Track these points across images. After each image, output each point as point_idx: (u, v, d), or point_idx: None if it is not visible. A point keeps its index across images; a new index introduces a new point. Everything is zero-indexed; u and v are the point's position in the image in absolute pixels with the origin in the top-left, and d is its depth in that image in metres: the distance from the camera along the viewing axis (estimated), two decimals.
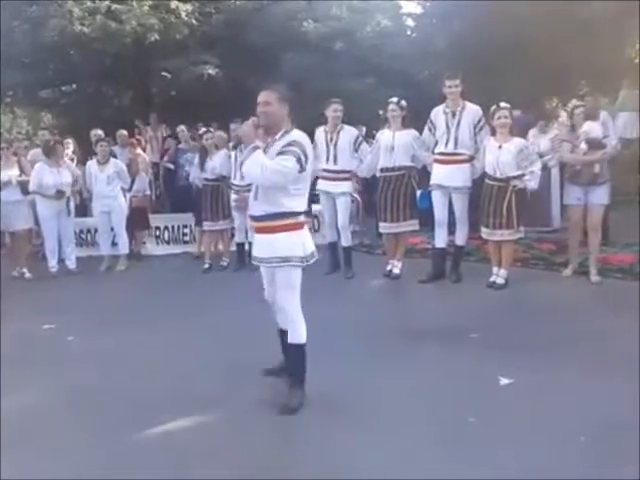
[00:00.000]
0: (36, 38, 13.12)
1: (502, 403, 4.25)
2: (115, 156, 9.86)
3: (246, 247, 8.28)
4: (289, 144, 4.11)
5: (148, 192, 10.66)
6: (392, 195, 7.57)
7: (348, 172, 7.87)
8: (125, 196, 9.57)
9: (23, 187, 8.99)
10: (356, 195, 8.16)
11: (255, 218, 4.35)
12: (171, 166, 10.95)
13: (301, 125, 8.11)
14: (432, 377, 4.70)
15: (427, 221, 7.93)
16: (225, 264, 8.97)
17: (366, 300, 7.04)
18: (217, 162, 8.73)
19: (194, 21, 13.66)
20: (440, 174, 7.29)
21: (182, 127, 10.76)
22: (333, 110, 7.75)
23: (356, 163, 7.87)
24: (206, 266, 8.98)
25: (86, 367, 5.29)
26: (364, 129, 11.11)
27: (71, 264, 9.22)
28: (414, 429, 3.91)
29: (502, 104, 6.94)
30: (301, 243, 4.25)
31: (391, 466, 3.50)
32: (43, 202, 8.93)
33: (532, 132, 9.53)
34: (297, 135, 4.21)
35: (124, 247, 9.43)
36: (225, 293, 7.28)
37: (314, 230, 9.67)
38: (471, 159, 7.19)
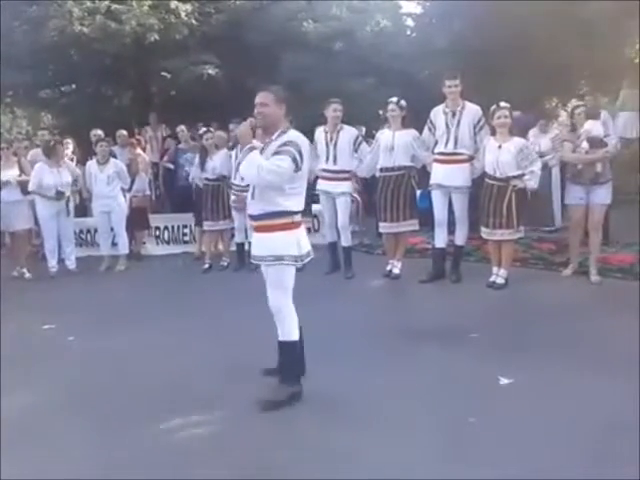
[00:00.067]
0: (36, 38, 13.10)
1: (502, 403, 4.25)
2: (115, 156, 9.86)
3: (246, 247, 8.28)
4: (285, 144, 4.18)
5: (148, 192, 10.67)
6: (392, 195, 7.57)
7: (348, 172, 7.86)
8: (125, 196, 9.57)
9: (23, 187, 9.00)
10: (356, 195, 8.15)
11: (253, 217, 4.42)
12: (171, 166, 10.94)
13: (301, 125, 8.15)
14: (432, 377, 4.70)
15: (427, 221, 7.93)
16: (225, 264, 8.98)
17: (366, 300, 7.04)
18: (217, 162, 8.74)
19: (194, 21, 13.64)
20: (440, 174, 7.29)
21: (182, 127, 10.75)
22: (332, 110, 7.75)
23: (356, 163, 7.88)
24: (206, 266, 8.99)
25: (86, 367, 5.30)
26: (364, 129, 11.11)
27: (71, 264, 9.22)
28: (414, 429, 3.92)
29: (502, 104, 6.94)
30: (296, 242, 4.30)
31: (391, 466, 3.50)
32: (42, 202, 8.93)
33: (533, 132, 9.52)
34: (293, 135, 4.27)
35: (124, 247, 9.44)
36: (225, 293, 7.27)
37: (314, 230, 9.68)
38: (471, 159, 7.19)
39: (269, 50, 13.69)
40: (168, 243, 10.56)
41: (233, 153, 8.12)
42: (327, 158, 7.80)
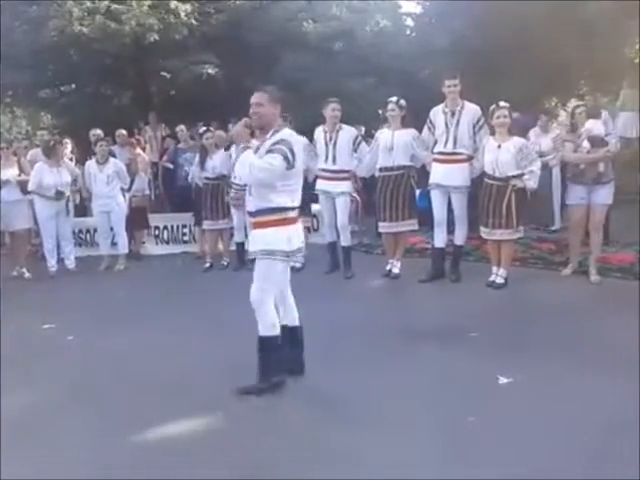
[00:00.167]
0: (36, 38, 13.11)
1: (501, 402, 4.25)
2: (114, 156, 9.85)
3: (246, 246, 8.27)
4: (277, 142, 4.31)
5: (147, 192, 10.67)
6: (391, 195, 7.57)
7: (347, 172, 7.86)
8: (124, 196, 9.57)
9: (23, 187, 9.00)
10: (355, 195, 8.15)
11: (250, 214, 4.58)
12: (170, 166, 10.93)
13: (301, 125, 8.17)
14: (431, 376, 4.70)
15: (426, 221, 7.93)
16: (225, 263, 8.98)
17: (366, 300, 7.04)
18: (217, 161, 8.73)
19: (193, 21, 13.63)
20: (439, 173, 7.29)
21: (181, 127, 10.74)
22: (331, 110, 7.74)
23: (355, 163, 7.87)
24: (207, 265, 9.01)
25: (86, 366, 5.30)
26: (363, 129, 11.11)
27: (70, 264, 9.22)
28: (413, 428, 3.92)
29: (501, 103, 6.94)
30: (287, 238, 4.41)
31: (390, 465, 3.50)
32: (41, 202, 8.93)
33: (534, 131, 9.51)
34: (285, 134, 4.39)
35: (123, 247, 9.43)
36: (225, 292, 7.28)
37: (313, 229, 9.69)
38: (470, 158, 7.19)
39: (269, 50, 13.70)
40: (167, 243, 10.56)
41: (232, 152, 8.12)
42: (326, 158, 7.80)
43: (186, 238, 10.47)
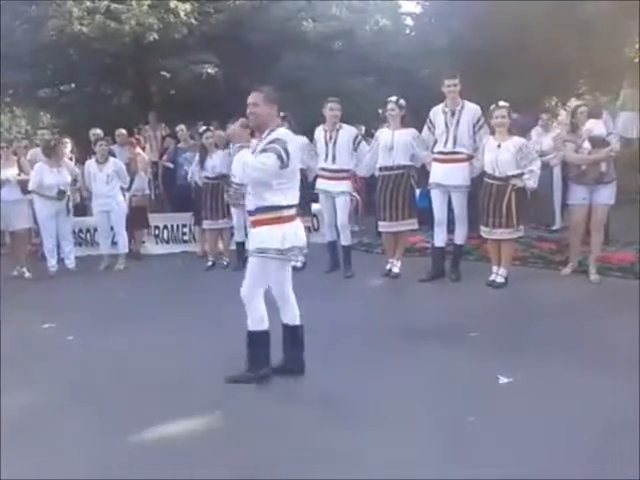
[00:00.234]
0: (35, 38, 13.10)
1: (501, 402, 4.25)
2: (114, 155, 9.84)
3: (246, 246, 8.27)
4: (271, 142, 4.38)
5: (147, 191, 10.67)
6: (391, 194, 7.57)
7: (347, 171, 7.86)
8: (124, 195, 9.56)
9: (23, 186, 8.99)
10: (355, 194, 8.15)
11: (249, 212, 4.66)
12: (170, 165, 10.93)
13: (301, 124, 8.17)
14: (431, 376, 4.70)
15: (426, 220, 7.94)
16: (225, 263, 8.98)
17: (366, 299, 7.04)
18: (217, 160, 8.73)
19: (193, 20, 13.63)
20: (439, 173, 7.29)
21: (181, 126, 10.74)
22: (330, 109, 7.74)
23: (355, 162, 7.87)
24: (209, 264, 9.04)
25: (86, 366, 5.30)
26: (363, 128, 11.11)
27: (70, 263, 9.22)
28: (413, 428, 3.92)
29: (501, 103, 6.94)
30: (281, 236, 4.47)
31: (390, 465, 3.50)
32: (41, 202, 8.91)
33: (535, 130, 9.51)
34: (280, 133, 4.45)
35: (123, 246, 9.43)
36: (225, 292, 7.25)
37: (314, 229, 9.68)
38: (470, 158, 7.18)
39: (269, 49, 13.70)
40: (167, 242, 10.56)
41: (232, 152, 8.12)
42: (326, 157, 7.80)
43: (186, 238, 10.46)
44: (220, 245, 9.22)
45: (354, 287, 7.57)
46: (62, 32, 12.67)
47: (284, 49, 13.82)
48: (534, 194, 7.21)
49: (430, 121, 7.38)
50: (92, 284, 8.52)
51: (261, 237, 4.51)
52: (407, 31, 15.62)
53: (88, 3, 12.94)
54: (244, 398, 4.47)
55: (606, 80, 12.36)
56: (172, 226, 10.50)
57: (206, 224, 9.04)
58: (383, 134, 7.63)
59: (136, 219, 9.95)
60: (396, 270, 7.71)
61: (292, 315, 4.77)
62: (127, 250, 9.51)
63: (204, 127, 9.54)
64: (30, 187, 8.84)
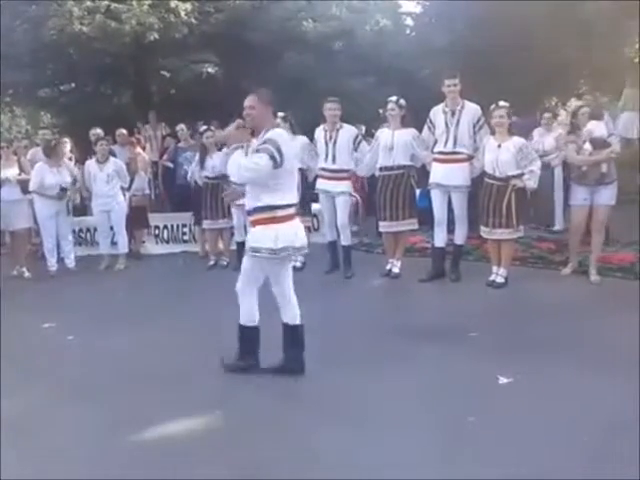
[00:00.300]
0: (35, 37, 13.11)
1: (501, 402, 4.25)
2: (114, 155, 9.84)
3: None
4: (264, 142, 4.46)
5: (147, 191, 10.67)
6: (391, 194, 7.57)
7: (347, 171, 7.86)
8: (124, 195, 9.56)
9: (23, 186, 8.99)
10: (355, 194, 8.15)
11: (247, 212, 4.76)
12: (170, 165, 10.93)
13: (301, 124, 8.17)
14: (431, 376, 4.71)
15: (426, 220, 7.94)
16: (225, 263, 8.98)
17: (366, 299, 7.05)
18: (217, 160, 8.70)
19: (193, 20, 13.64)
20: (439, 173, 7.29)
21: (181, 126, 10.74)
22: (330, 109, 7.74)
23: (355, 162, 7.87)
24: (211, 263, 9.05)
25: (86, 366, 5.30)
26: (364, 128, 11.11)
27: (70, 263, 9.21)
28: (413, 428, 3.92)
29: (501, 103, 6.95)
30: (274, 236, 4.53)
31: (390, 465, 3.50)
32: (41, 201, 8.91)
33: (538, 131, 9.49)
34: (273, 133, 4.52)
35: (123, 246, 9.42)
36: (225, 292, 7.25)
37: (314, 229, 9.67)
38: (470, 158, 7.18)
39: (269, 49, 13.71)
40: (167, 242, 10.54)
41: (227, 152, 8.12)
42: (326, 157, 7.79)
43: (186, 237, 10.44)
44: (220, 245, 9.22)
45: (354, 287, 7.57)
46: (62, 32, 12.68)
47: (284, 49, 13.83)
48: (534, 194, 7.20)
49: (430, 121, 7.37)
50: (92, 284, 8.52)
51: (255, 237, 4.61)
52: (407, 31, 15.66)
53: (88, 3, 12.96)
54: (244, 398, 4.47)
55: (606, 80, 12.37)
56: (172, 226, 10.49)
57: (206, 224, 9.04)
58: (383, 134, 7.63)
59: (136, 219, 9.94)
60: (396, 270, 7.71)
61: (292, 315, 4.78)
62: (127, 250, 9.50)
63: (204, 127, 9.53)
64: (31, 188, 8.83)
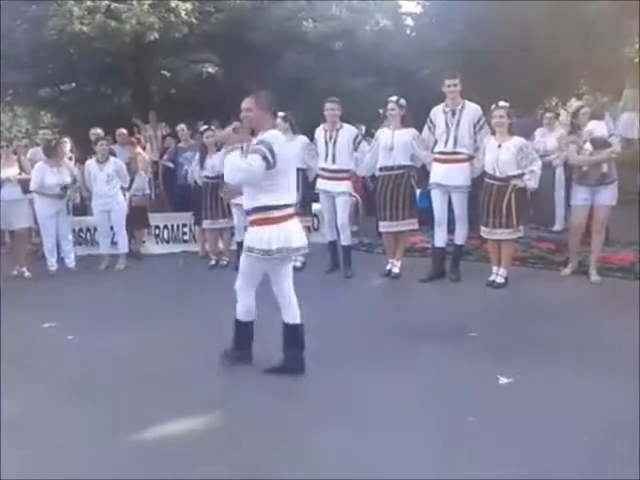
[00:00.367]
0: (36, 37, 13.11)
1: (501, 402, 4.26)
2: (115, 155, 9.84)
3: None
4: (257, 143, 4.54)
5: (148, 191, 10.66)
6: (391, 194, 7.56)
7: (347, 171, 7.86)
8: (125, 195, 9.56)
9: (23, 186, 8.99)
10: (355, 194, 8.14)
11: (246, 212, 4.83)
12: (171, 165, 10.93)
13: (302, 124, 8.16)
14: (431, 376, 4.71)
15: (426, 220, 7.93)
16: (225, 263, 8.97)
17: (366, 299, 7.05)
18: (217, 160, 8.70)
19: (194, 20, 13.65)
20: (439, 173, 7.29)
21: (182, 126, 10.73)
22: (329, 109, 7.74)
23: (355, 162, 7.87)
24: (212, 262, 9.05)
25: (86, 366, 5.30)
26: (364, 128, 11.11)
27: (70, 262, 9.21)
28: (413, 428, 3.92)
29: (501, 103, 6.95)
30: (267, 237, 4.60)
31: (390, 465, 3.50)
32: (42, 201, 8.90)
33: (540, 130, 9.47)
34: (268, 135, 4.58)
35: (124, 246, 9.42)
36: (225, 292, 7.25)
37: (314, 229, 9.66)
38: (470, 158, 7.18)
39: (269, 49, 13.71)
40: (168, 242, 10.54)
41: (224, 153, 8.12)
42: (326, 157, 7.79)
43: (186, 237, 10.44)
44: (220, 245, 9.22)
45: (354, 287, 7.57)
46: (62, 31, 12.68)
47: (285, 49, 13.83)
48: (535, 194, 7.19)
49: (430, 121, 7.37)
50: (92, 284, 8.51)
51: (250, 237, 4.70)
52: (407, 31, 15.66)
53: (89, 2, 12.97)
54: (244, 398, 4.47)
55: (606, 80, 12.37)
56: (172, 226, 10.49)
57: (206, 224, 9.03)
58: (383, 134, 7.62)
59: (136, 219, 9.94)
60: (396, 270, 7.71)
61: (292, 314, 4.78)
62: (127, 250, 9.50)
63: (205, 126, 9.53)
64: (32, 188, 8.83)
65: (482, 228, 7.13)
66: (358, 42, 14.29)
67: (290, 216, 4.68)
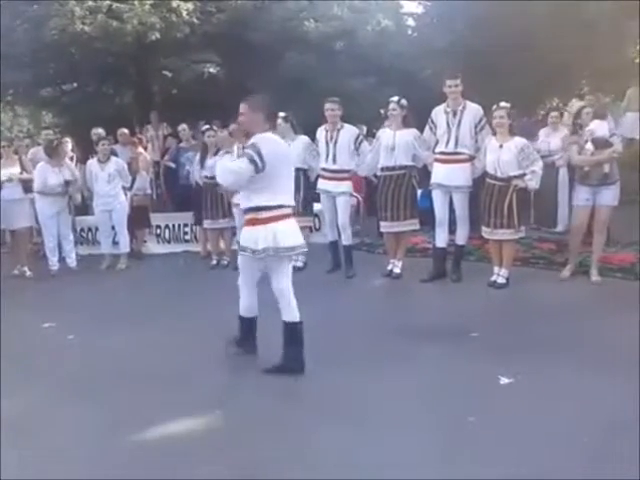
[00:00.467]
0: (37, 37, 13.12)
1: (502, 402, 4.25)
2: (116, 155, 9.85)
3: None
4: (247, 147, 4.65)
5: (149, 191, 10.66)
6: (392, 194, 7.56)
7: (347, 172, 7.85)
8: (126, 195, 9.56)
9: (24, 185, 9.00)
10: (356, 194, 8.14)
11: (243, 212, 4.93)
12: (172, 165, 10.94)
13: (302, 124, 8.17)
14: (432, 376, 4.71)
15: (427, 220, 7.93)
16: (226, 262, 8.97)
17: (367, 299, 7.04)
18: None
19: (195, 20, 13.65)
20: (441, 173, 7.28)
21: (183, 126, 10.75)
22: (329, 109, 7.74)
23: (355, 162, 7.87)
24: (214, 262, 9.05)
25: (86, 365, 5.30)
26: (365, 128, 11.11)
27: (71, 262, 9.22)
28: (413, 428, 3.92)
29: (502, 104, 6.94)
30: (255, 237, 4.71)
31: (390, 465, 3.50)
32: (43, 200, 8.92)
33: (544, 130, 9.45)
34: (258, 138, 4.68)
35: (125, 246, 9.43)
36: (226, 292, 7.25)
37: (315, 229, 9.66)
38: (472, 158, 7.17)
39: (270, 49, 13.71)
40: (169, 242, 10.55)
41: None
42: (327, 157, 7.79)
43: (187, 237, 10.45)
44: (221, 244, 9.21)
45: (355, 287, 7.57)
46: (64, 31, 12.69)
47: (286, 49, 13.83)
48: (536, 194, 7.18)
49: (432, 121, 7.37)
50: (93, 283, 8.52)
51: (243, 236, 4.86)
52: (409, 31, 15.65)
53: (90, 2, 12.97)
54: (244, 398, 4.48)
55: (608, 81, 12.35)
56: (173, 225, 10.50)
57: (206, 223, 9.03)
58: (385, 134, 7.62)
59: (137, 218, 9.95)
60: (397, 270, 7.70)
61: (292, 313, 4.78)
62: (128, 249, 9.51)
63: (206, 126, 9.54)
64: (36, 189, 8.85)
65: (483, 228, 7.13)
66: (359, 42, 14.28)
67: (285, 216, 4.71)
